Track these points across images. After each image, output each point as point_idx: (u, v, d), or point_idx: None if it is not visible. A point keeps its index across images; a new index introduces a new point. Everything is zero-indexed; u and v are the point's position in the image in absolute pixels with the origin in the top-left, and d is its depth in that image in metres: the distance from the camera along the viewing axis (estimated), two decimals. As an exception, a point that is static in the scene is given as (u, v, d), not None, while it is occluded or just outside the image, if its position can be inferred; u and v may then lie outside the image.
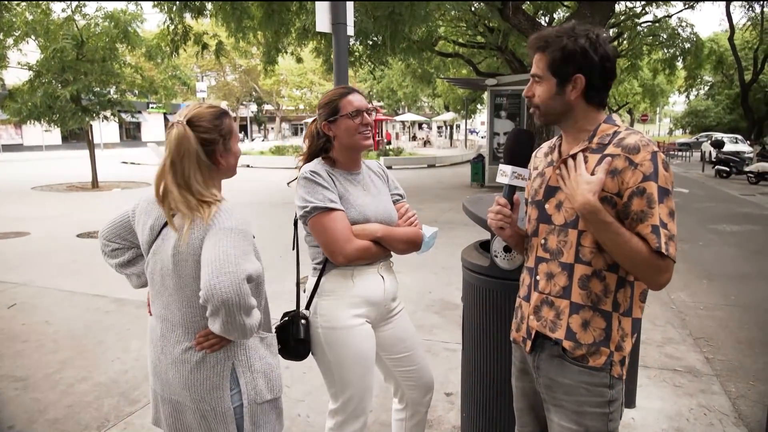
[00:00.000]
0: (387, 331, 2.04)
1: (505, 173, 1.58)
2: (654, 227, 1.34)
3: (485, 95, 15.65)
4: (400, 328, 2.06)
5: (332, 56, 5.52)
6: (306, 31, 12.41)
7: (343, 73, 5.25)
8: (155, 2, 11.84)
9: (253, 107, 56.31)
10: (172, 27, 12.31)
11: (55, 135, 31.56)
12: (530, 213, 1.62)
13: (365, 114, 1.91)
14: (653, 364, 3.68)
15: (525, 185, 1.61)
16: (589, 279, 1.45)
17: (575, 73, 1.43)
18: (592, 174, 1.40)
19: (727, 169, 17.42)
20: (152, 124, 42.59)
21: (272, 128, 59.36)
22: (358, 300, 1.90)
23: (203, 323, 1.48)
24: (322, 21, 5.11)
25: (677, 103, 62.22)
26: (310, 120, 2.05)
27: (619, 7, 16.63)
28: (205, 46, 12.95)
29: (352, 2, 5.31)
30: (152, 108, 35.54)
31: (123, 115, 16.15)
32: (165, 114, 40.35)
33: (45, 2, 13.42)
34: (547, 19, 17.78)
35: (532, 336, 1.57)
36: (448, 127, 52.53)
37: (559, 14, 17.95)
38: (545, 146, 1.67)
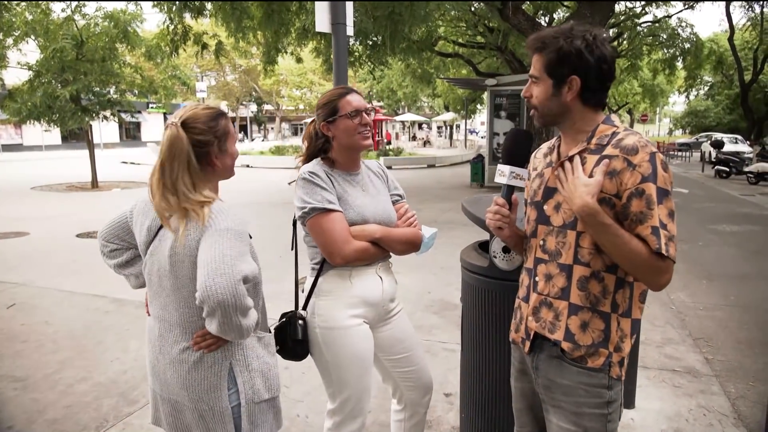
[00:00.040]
0: (385, 331, 2.03)
1: (503, 173, 1.58)
2: (654, 228, 1.33)
3: (485, 95, 15.66)
4: (398, 328, 2.06)
5: (332, 56, 5.52)
6: (306, 31, 12.41)
7: (342, 73, 5.26)
8: (155, 2, 11.85)
9: (253, 107, 56.30)
10: (171, 27, 12.31)
11: (54, 135, 31.55)
12: (529, 214, 1.62)
13: (364, 114, 1.91)
14: (653, 364, 3.68)
15: (523, 185, 1.61)
16: (587, 280, 1.45)
17: (570, 75, 1.42)
18: (591, 175, 1.40)
19: (727, 170, 17.42)
20: (152, 124, 42.57)
21: (272, 128, 59.36)
22: (355, 300, 1.90)
23: (201, 323, 1.48)
24: (322, 21, 5.12)
25: (677, 104, 62.30)
26: (309, 120, 2.05)
27: (619, 7, 16.64)
28: (204, 46, 12.96)
29: (351, 2, 5.32)
30: (152, 108, 35.53)
31: (123, 115, 16.15)
32: (165, 114, 40.27)
33: (45, 2, 13.42)
34: (546, 19, 17.78)
35: (531, 337, 1.57)
36: (448, 127, 52.53)
37: (559, 14, 17.95)
38: (544, 147, 1.67)
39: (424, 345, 3.90)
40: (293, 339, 1.88)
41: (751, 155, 19.55)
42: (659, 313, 4.68)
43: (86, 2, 13.65)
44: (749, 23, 24.80)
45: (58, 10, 13.97)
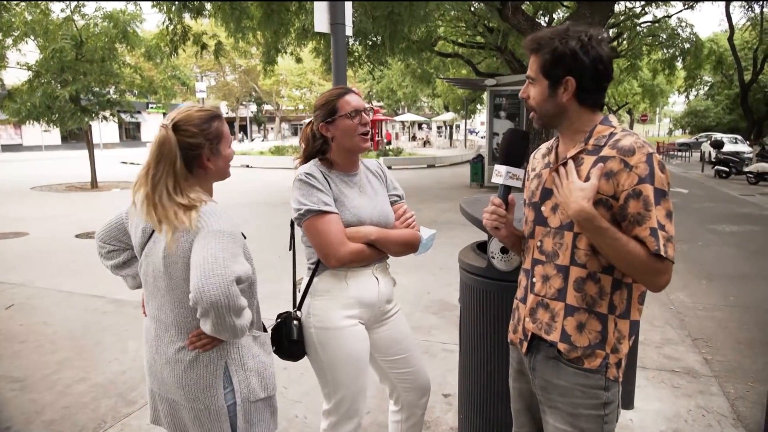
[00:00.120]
0: (382, 332, 2.03)
1: (499, 173, 1.58)
2: (652, 230, 1.33)
3: (485, 95, 15.66)
4: (395, 329, 2.05)
5: (331, 56, 5.52)
6: (305, 31, 12.39)
7: (341, 73, 5.25)
8: (154, 2, 11.84)
9: (253, 107, 56.30)
10: (171, 27, 12.30)
11: (54, 135, 31.57)
12: (527, 215, 1.62)
13: (363, 114, 1.91)
14: (652, 365, 3.68)
15: (520, 185, 1.61)
16: (584, 281, 1.44)
17: (565, 75, 1.42)
18: (588, 177, 1.40)
19: (727, 170, 17.42)
20: (152, 124, 42.49)
21: (272, 128, 59.36)
22: (351, 301, 1.90)
23: (195, 323, 1.49)
24: (321, 21, 5.11)
25: (677, 104, 62.27)
26: (307, 121, 2.04)
27: (618, 7, 16.63)
28: (204, 47, 12.95)
29: (350, 2, 5.31)
30: (152, 108, 35.56)
31: (122, 116, 16.15)
32: (164, 114, 40.20)
33: (44, 2, 13.42)
34: (546, 19, 17.77)
35: (528, 338, 1.57)
36: (448, 128, 52.53)
37: (559, 14, 17.94)
38: (543, 147, 1.66)
39: (422, 346, 3.90)
40: (288, 339, 1.88)
41: (750, 155, 19.55)
42: (658, 314, 4.67)
43: (86, 2, 13.65)
44: (749, 23, 24.80)
45: (57, 11, 14.01)
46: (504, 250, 2.13)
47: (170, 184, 1.48)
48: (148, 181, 1.50)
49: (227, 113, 51.37)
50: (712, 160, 19.34)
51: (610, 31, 17.65)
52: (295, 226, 1.95)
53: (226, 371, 1.54)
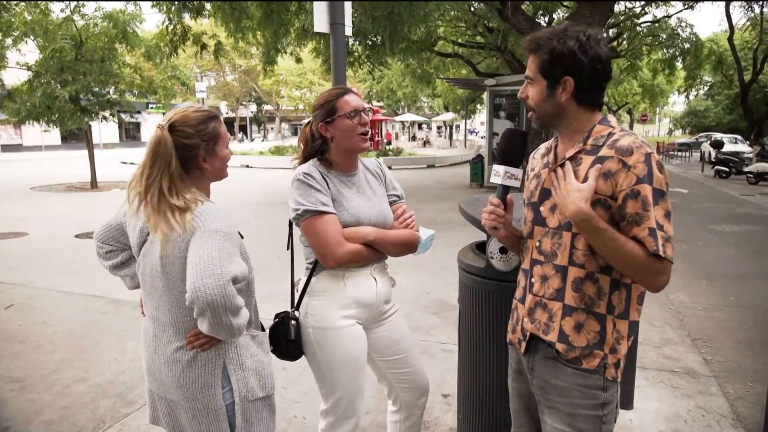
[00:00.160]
0: (379, 332, 2.02)
1: (497, 173, 1.58)
2: (651, 230, 1.32)
3: (485, 95, 15.65)
4: (393, 329, 2.05)
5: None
6: (305, 31, 12.39)
7: (341, 73, 5.25)
8: (154, 2, 11.85)
9: (253, 107, 56.31)
10: (170, 27, 12.31)
11: (54, 135, 31.57)
12: (526, 215, 1.62)
13: (363, 114, 1.90)
14: (651, 365, 3.68)
15: (518, 185, 1.60)
16: (582, 281, 1.44)
17: (564, 75, 1.42)
18: (585, 177, 1.39)
19: (727, 170, 17.42)
20: (152, 125, 41.86)
21: (272, 128, 59.37)
22: (348, 301, 1.90)
23: (193, 323, 1.49)
24: (320, 21, 5.11)
25: (677, 104, 62.28)
26: (306, 121, 2.04)
27: (618, 7, 16.62)
28: (204, 47, 12.95)
29: (349, 2, 5.31)
30: (152, 108, 35.52)
31: (122, 116, 16.15)
32: (164, 114, 40.36)
33: (44, 2, 13.42)
34: (546, 19, 17.77)
35: (527, 338, 1.56)
36: (448, 128, 52.53)
37: (559, 14, 17.94)
38: (542, 147, 1.66)
39: (422, 346, 3.89)
40: (286, 339, 1.88)
41: (750, 155, 19.55)
42: (658, 314, 4.67)
43: (85, 2, 13.65)
44: (749, 23, 24.80)
45: (57, 11, 14.03)
46: (503, 250, 2.13)
47: (165, 185, 1.49)
48: (142, 181, 1.50)
49: (227, 113, 51.39)
50: (712, 160, 19.34)
51: (610, 31, 17.65)
52: (293, 225, 1.95)
53: (225, 370, 1.54)
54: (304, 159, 1.97)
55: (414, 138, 47.61)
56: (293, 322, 1.89)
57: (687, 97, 44.26)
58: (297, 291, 1.97)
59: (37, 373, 3.57)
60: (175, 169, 1.50)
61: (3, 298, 5.19)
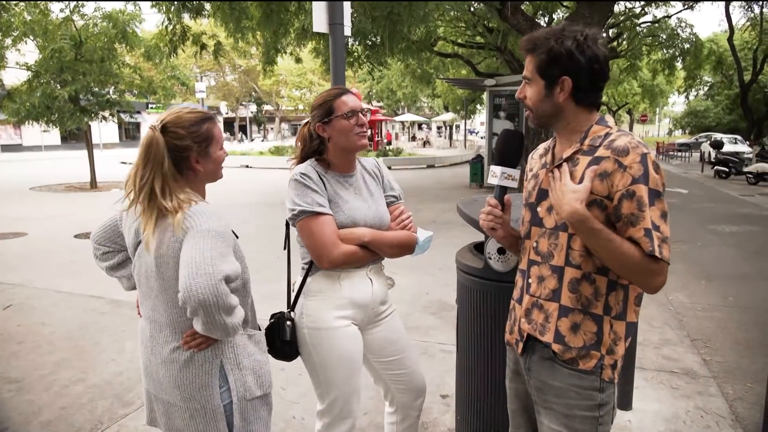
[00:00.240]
0: (375, 333, 2.02)
1: (495, 174, 1.58)
2: (646, 230, 1.32)
3: (484, 95, 15.65)
4: (389, 330, 2.04)
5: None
6: (305, 31, 12.39)
7: (340, 73, 5.25)
8: (153, 2, 11.84)
9: (253, 107, 56.28)
10: (170, 27, 12.30)
11: (54, 135, 31.55)
12: (524, 215, 1.62)
13: (360, 114, 1.90)
14: (650, 365, 3.67)
15: (515, 186, 1.60)
16: (578, 282, 1.44)
17: (561, 75, 1.41)
18: (582, 177, 1.39)
19: (727, 170, 17.41)
20: (151, 125, 42.50)
21: (272, 128, 59.36)
22: (344, 302, 1.89)
23: (189, 323, 1.49)
24: (319, 21, 5.11)
25: (677, 104, 62.28)
26: (304, 122, 2.04)
27: (618, 7, 16.61)
28: (203, 47, 12.95)
29: (349, 2, 5.31)
30: (151, 108, 35.51)
31: (122, 116, 16.16)
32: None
33: (43, 2, 13.42)
34: (546, 19, 17.77)
35: (524, 338, 1.56)
36: (448, 128, 52.54)
37: (559, 14, 17.93)
38: (541, 148, 1.66)
39: (420, 346, 3.89)
40: (281, 339, 1.87)
41: (750, 155, 19.54)
42: (657, 314, 4.67)
43: (85, 2, 13.65)
44: (749, 23, 24.80)
45: (56, 11, 14.01)
46: (501, 251, 2.12)
47: (158, 186, 1.49)
48: (135, 182, 1.50)
49: (227, 113, 51.39)
50: (712, 160, 19.34)
51: (610, 31, 17.65)
52: (290, 226, 1.94)
53: (222, 370, 1.54)
54: (302, 159, 1.97)
55: (414, 138, 47.60)
56: (288, 322, 1.89)
57: (687, 97, 44.24)
58: (293, 291, 1.97)
59: (36, 373, 3.56)
60: (168, 170, 1.50)
61: (2, 298, 5.19)
